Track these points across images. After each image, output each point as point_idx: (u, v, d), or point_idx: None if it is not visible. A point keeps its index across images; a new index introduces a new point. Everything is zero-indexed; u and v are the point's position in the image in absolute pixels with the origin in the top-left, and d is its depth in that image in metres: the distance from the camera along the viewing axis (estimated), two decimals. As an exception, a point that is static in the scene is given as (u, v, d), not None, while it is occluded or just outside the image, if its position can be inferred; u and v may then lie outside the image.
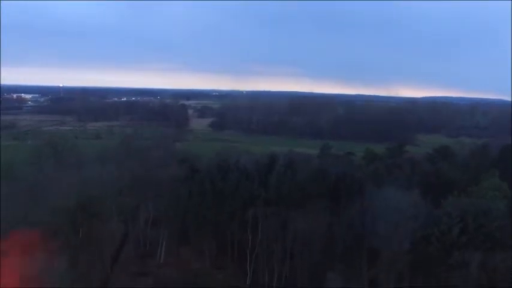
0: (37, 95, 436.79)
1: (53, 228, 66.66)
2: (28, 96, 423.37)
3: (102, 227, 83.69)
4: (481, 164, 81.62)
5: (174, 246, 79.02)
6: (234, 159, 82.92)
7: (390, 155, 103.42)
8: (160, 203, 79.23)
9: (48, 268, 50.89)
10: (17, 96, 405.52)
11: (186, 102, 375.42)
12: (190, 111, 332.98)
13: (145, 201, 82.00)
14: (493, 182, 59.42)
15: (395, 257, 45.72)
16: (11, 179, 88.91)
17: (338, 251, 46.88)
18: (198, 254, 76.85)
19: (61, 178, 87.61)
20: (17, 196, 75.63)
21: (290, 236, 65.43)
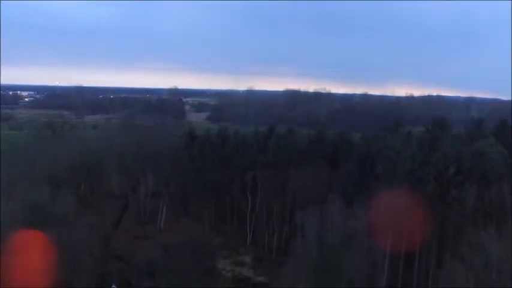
0: (33, 93, 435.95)
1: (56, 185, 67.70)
2: (24, 93, 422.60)
3: (104, 188, 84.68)
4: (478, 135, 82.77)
5: (174, 215, 79.76)
6: (234, 130, 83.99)
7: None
8: (161, 170, 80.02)
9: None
10: (13, 93, 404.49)
11: (184, 99, 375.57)
12: (187, 107, 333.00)
13: (146, 170, 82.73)
14: (488, 141, 60.48)
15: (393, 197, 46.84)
16: (13, 152, 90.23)
17: (338, 201, 47.66)
18: (197, 221, 77.61)
19: (61, 148, 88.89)
20: (18, 164, 76.83)
21: (289, 195, 66.37)
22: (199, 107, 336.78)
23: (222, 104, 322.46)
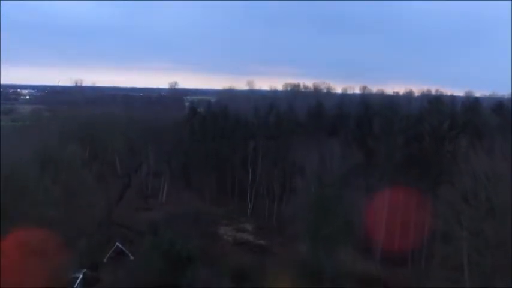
0: (33, 91, 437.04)
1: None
2: (25, 91, 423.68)
3: (106, 168, 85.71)
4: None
5: (176, 190, 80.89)
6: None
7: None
8: (163, 148, 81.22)
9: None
10: (13, 91, 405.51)
11: (184, 97, 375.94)
12: (187, 104, 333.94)
13: (148, 148, 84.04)
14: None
15: (392, 153, 48.00)
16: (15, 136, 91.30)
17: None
18: (199, 195, 78.65)
19: (64, 129, 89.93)
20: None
21: (289, 165, 67.28)
22: (199, 103, 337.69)
23: (222, 100, 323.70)
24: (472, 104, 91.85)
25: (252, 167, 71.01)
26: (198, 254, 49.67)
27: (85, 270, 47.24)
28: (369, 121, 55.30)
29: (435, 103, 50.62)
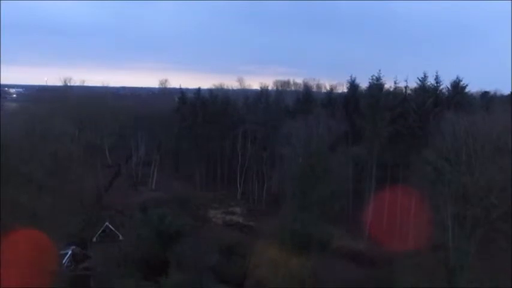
0: (21, 90, 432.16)
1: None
2: (12, 90, 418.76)
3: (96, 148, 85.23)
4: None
5: (165, 177, 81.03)
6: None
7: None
8: (153, 136, 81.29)
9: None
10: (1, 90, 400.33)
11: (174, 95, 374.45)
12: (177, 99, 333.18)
13: (137, 137, 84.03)
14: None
15: (377, 133, 48.88)
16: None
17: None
18: (188, 182, 78.85)
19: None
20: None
21: (278, 148, 67.76)
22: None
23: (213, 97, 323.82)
24: (456, 84, 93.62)
25: (241, 151, 71.47)
26: (188, 231, 50.10)
27: (74, 247, 47.25)
28: (356, 101, 56.09)
29: (421, 82, 51.58)
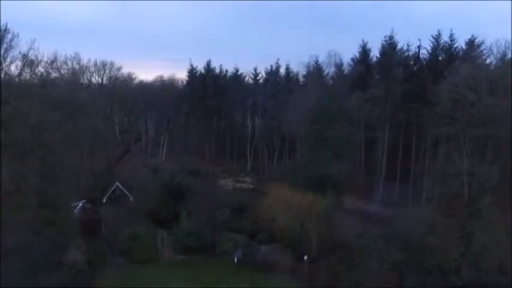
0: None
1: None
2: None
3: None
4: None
5: (175, 152, 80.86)
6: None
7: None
8: (163, 108, 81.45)
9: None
10: None
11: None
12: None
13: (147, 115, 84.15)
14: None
15: (390, 92, 48.11)
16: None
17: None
18: (198, 157, 78.62)
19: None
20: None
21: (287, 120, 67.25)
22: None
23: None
24: (471, 41, 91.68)
25: (251, 123, 71.13)
26: (198, 190, 49.75)
27: (84, 200, 47.29)
28: (368, 64, 55.27)
29: (435, 40, 50.67)
